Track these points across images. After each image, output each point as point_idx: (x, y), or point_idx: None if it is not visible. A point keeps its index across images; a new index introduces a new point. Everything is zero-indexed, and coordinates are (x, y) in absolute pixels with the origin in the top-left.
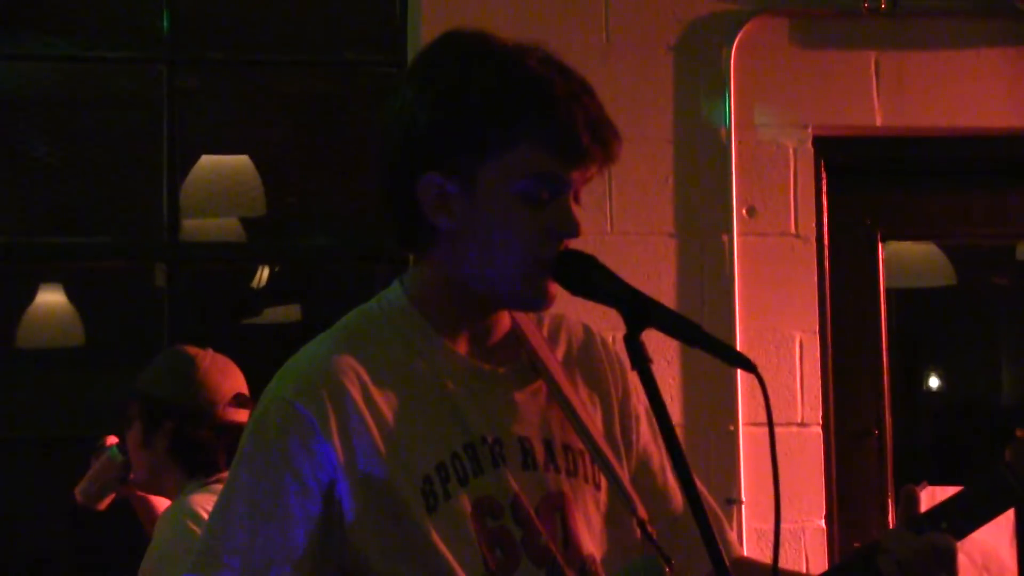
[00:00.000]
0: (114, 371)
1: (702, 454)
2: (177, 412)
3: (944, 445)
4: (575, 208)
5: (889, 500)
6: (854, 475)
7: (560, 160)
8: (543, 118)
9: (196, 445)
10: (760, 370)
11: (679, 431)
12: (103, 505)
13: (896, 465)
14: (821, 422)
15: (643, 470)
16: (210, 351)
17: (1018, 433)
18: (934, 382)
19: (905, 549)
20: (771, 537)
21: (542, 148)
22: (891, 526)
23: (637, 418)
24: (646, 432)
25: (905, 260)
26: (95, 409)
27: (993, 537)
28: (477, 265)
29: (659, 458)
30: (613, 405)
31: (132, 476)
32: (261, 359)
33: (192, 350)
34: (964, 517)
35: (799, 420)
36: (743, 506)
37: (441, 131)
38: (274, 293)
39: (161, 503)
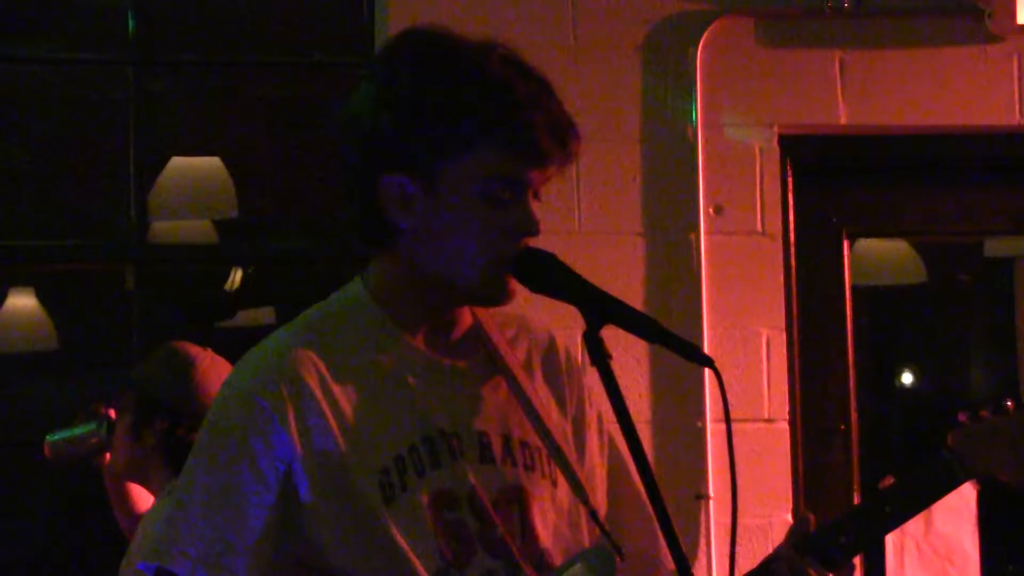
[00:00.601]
0: (85, 374)
1: (671, 450)
2: (170, 412)
3: (913, 440)
4: (535, 206)
5: (855, 495)
6: (821, 470)
7: (520, 162)
8: (503, 121)
9: (185, 446)
10: (727, 367)
11: (647, 428)
12: (67, 462)
13: (863, 460)
14: (788, 418)
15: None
16: (210, 352)
17: (961, 418)
18: (904, 378)
19: (783, 569)
20: (740, 532)
21: (502, 150)
22: None
23: (588, 426)
24: (594, 444)
25: (877, 258)
26: (66, 412)
27: (955, 528)
28: (438, 263)
29: (602, 472)
30: (568, 412)
31: (108, 458)
32: (234, 361)
33: (193, 349)
34: (907, 501)
35: (766, 416)
36: (711, 501)
37: (402, 132)
38: (247, 295)
39: (138, 492)
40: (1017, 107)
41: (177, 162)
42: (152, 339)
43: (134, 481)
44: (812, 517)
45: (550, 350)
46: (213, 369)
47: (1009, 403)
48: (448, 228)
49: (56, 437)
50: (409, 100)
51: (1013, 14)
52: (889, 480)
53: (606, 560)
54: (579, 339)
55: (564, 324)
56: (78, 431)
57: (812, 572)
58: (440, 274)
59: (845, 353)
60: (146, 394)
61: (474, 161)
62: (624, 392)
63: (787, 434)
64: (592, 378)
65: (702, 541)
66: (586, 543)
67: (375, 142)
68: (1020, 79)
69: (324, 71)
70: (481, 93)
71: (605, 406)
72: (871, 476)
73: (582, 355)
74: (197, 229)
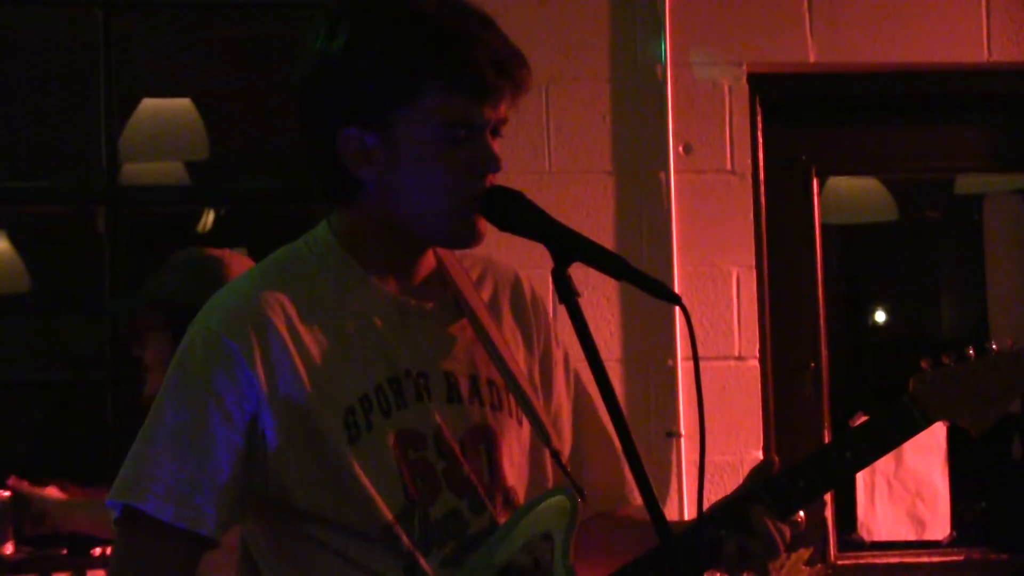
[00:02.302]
0: (57, 315)
1: (641, 388)
2: None
3: (883, 378)
4: (494, 143)
5: (825, 431)
6: (791, 407)
7: (470, 100)
8: (446, 62)
9: None
10: (697, 305)
11: (618, 366)
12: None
13: (833, 397)
14: (758, 355)
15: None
16: (227, 251)
17: (923, 364)
18: (875, 316)
19: (741, 525)
20: (711, 469)
21: (451, 91)
22: None
23: (555, 364)
24: (560, 381)
25: (847, 195)
26: (40, 353)
27: (926, 465)
28: (405, 210)
29: (569, 410)
30: (535, 350)
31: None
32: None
33: (216, 252)
34: (869, 445)
35: (736, 354)
36: (682, 439)
37: (350, 87)
38: (220, 236)
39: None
40: (985, 44)
41: (148, 104)
42: (124, 280)
43: None
44: (777, 460)
45: (516, 289)
46: (242, 265)
47: (970, 350)
48: (411, 175)
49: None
50: (352, 56)
51: None
52: (861, 418)
53: (568, 501)
54: (546, 277)
55: (532, 262)
56: None
57: (770, 526)
58: (408, 221)
59: (815, 291)
60: (183, 309)
61: (425, 106)
62: (594, 331)
63: (757, 372)
64: (561, 316)
65: (673, 478)
66: (550, 482)
67: (327, 99)
68: (988, 16)
69: (293, 10)
70: (420, 38)
71: (574, 344)
72: (841, 413)
73: (551, 293)
74: (168, 171)
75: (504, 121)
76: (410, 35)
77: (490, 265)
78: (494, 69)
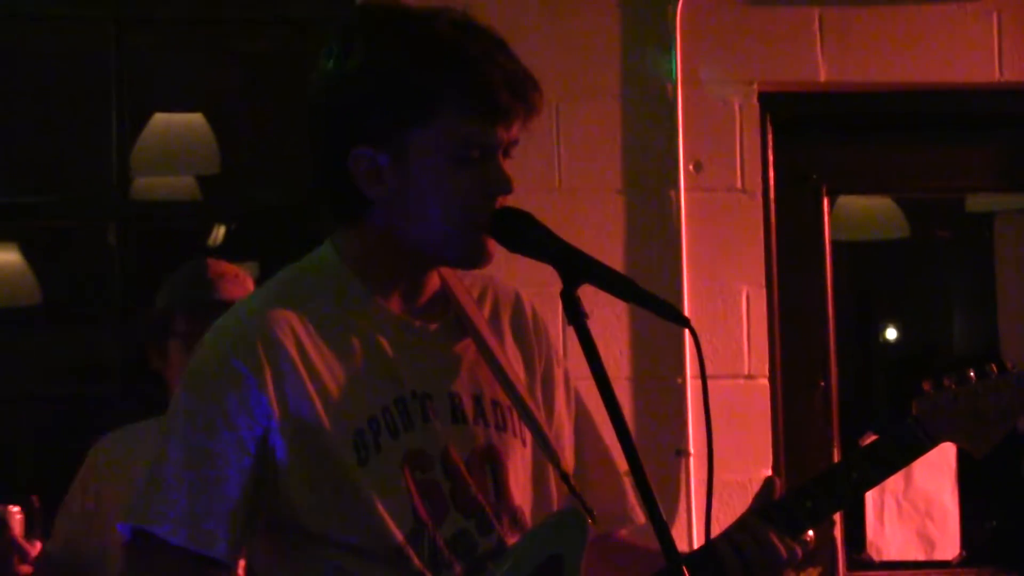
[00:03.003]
0: (68, 330)
1: (651, 407)
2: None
3: (894, 396)
4: (507, 165)
5: (835, 450)
6: (801, 426)
7: (483, 121)
8: (460, 83)
9: None
10: (707, 323)
11: (627, 384)
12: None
13: (843, 416)
14: (768, 374)
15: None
16: (210, 259)
17: (924, 387)
18: (886, 334)
19: (745, 536)
20: (720, 489)
21: (464, 112)
22: None
23: (556, 384)
24: (561, 401)
25: (858, 213)
26: (50, 366)
27: (935, 484)
28: (415, 230)
29: (570, 429)
30: (536, 370)
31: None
32: None
33: (213, 263)
34: (875, 466)
35: (746, 372)
36: (692, 458)
37: (364, 106)
38: (231, 251)
39: None
40: (997, 63)
41: (159, 118)
42: (135, 295)
43: None
44: (779, 481)
45: (517, 309)
46: (238, 279)
47: (971, 372)
48: (421, 196)
49: None
50: (366, 73)
51: None
52: (870, 437)
53: (579, 522)
54: (555, 298)
55: (541, 282)
56: None
57: (774, 538)
58: (417, 241)
59: (825, 309)
60: (194, 305)
61: (439, 127)
62: (604, 349)
63: (767, 390)
64: (571, 336)
65: (682, 497)
66: (554, 502)
67: (339, 118)
68: (1000, 36)
69: (305, 27)
70: (435, 58)
71: (583, 364)
72: (851, 432)
73: (560, 313)
74: (179, 185)
75: (516, 143)
76: (424, 55)
77: (491, 284)
78: (508, 90)
